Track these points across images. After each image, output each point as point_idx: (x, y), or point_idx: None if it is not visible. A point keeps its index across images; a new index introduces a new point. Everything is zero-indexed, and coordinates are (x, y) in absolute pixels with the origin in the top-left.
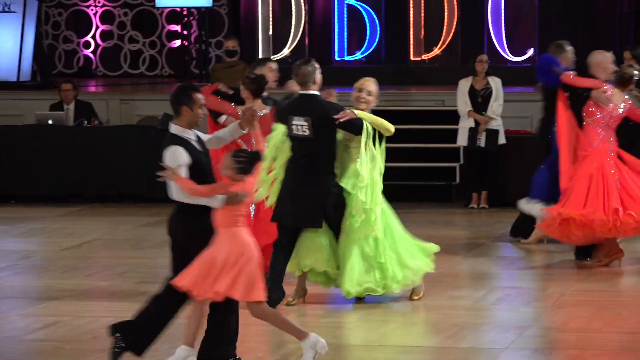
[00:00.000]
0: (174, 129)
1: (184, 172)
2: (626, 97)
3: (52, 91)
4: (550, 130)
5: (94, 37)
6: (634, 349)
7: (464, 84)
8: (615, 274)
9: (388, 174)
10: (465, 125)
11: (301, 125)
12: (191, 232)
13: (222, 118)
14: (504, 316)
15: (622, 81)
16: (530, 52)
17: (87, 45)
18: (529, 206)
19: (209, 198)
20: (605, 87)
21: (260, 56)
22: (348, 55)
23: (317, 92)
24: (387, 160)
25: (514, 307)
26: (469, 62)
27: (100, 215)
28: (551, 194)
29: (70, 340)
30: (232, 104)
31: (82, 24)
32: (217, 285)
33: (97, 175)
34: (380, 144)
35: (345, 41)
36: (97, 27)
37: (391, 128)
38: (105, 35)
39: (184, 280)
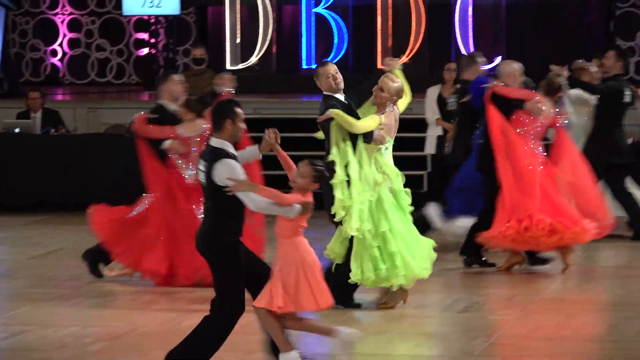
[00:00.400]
0: (217, 142)
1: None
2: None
3: (19, 99)
4: (469, 149)
5: (61, 45)
6: (603, 357)
7: (433, 92)
8: (584, 281)
9: None
10: (433, 133)
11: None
12: (226, 251)
13: (167, 143)
14: (472, 324)
15: (551, 90)
16: (498, 60)
17: (54, 53)
18: (464, 223)
19: (290, 208)
20: (538, 98)
21: (228, 64)
22: (316, 63)
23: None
24: None
25: (482, 315)
26: (436, 70)
27: (67, 224)
28: (472, 206)
29: (36, 349)
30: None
31: (49, 32)
32: (302, 301)
33: (64, 183)
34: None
35: (313, 49)
36: (65, 35)
37: (354, 126)
38: (72, 44)
39: (262, 302)
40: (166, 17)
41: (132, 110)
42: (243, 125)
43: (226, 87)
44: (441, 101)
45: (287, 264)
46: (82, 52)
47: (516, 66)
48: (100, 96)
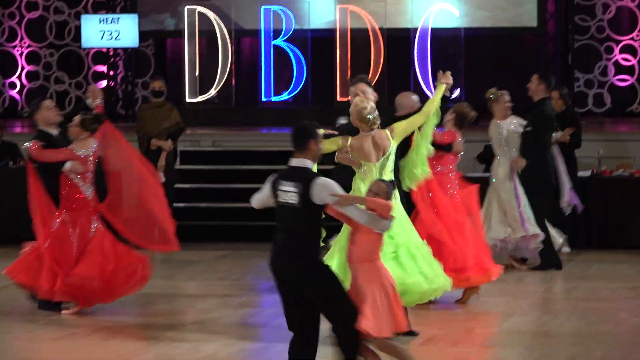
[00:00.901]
0: (299, 162)
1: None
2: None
3: None
4: None
5: (19, 77)
6: None
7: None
8: (543, 312)
9: None
10: None
11: None
12: (311, 271)
13: (67, 165)
14: (432, 358)
15: (464, 123)
16: (457, 92)
17: (12, 85)
18: None
19: (388, 221)
20: (460, 139)
21: (187, 96)
22: (275, 95)
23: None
24: None
25: (441, 348)
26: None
27: None
28: None
29: None
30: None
31: (7, 64)
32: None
33: (24, 215)
34: None
35: (272, 82)
36: (23, 67)
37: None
38: (31, 76)
39: (366, 324)
40: (125, 49)
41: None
42: (323, 146)
43: (97, 100)
44: None
45: (371, 288)
46: (40, 85)
47: (414, 98)
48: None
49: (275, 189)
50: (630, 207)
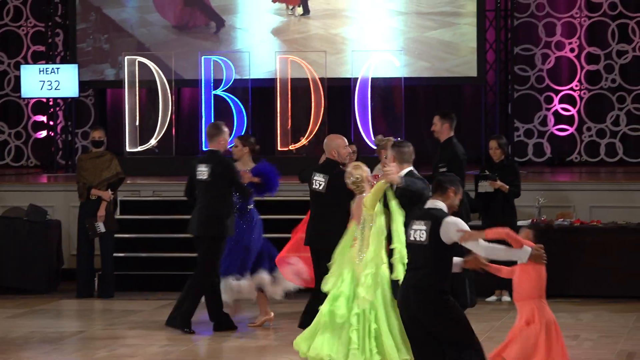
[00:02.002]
0: (434, 204)
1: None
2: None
3: None
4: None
5: None
6: None
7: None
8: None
9: None
10: None
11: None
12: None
13: None
14: None
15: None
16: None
17: None
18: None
19: (522, 251)
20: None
21: (127, 146)
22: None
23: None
24: None
25: None
26: None
27: None
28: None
29: None
30: None
31: None
32: None
33: None
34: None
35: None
36: None
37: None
38: None
39: None
40: (65, 99)
41: (30, 193)
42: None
43: None
44: None
45: (538, 326)
46: None
47: (340, 141)
48: None
49: (411, 228)
50: (571, 256)
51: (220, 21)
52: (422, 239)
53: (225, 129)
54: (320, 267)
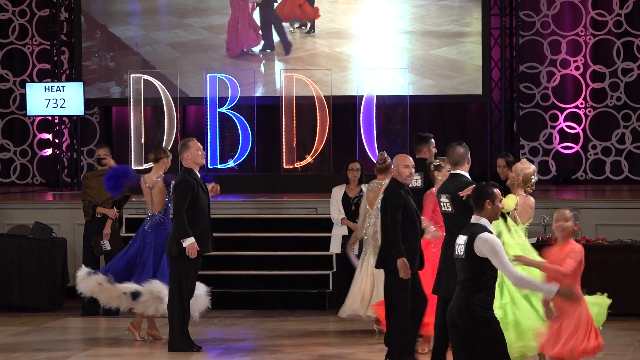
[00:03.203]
0: (476, 219)
1: (505, 255)
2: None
3: None
4: None
5: None
6: None
7: (338, 192)
8: None
9: (261, 281)
10: (338, 232)
11: (445, 202)
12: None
13: None
14: None
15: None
16: None
17: None
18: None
19: (549, 287)
20: None
21: (132, 164)
22: (220, 163)
23: (464, 172)
24: (258, 268)
25: None
26: (341, 169)
27: None
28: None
29: None
30: None
31: None
32: None
33: None
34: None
35: (218, 149)
36: None
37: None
38: None
39: None
40: (70, 117)
41: (35, 210)
42: (502, 205)
43: None
44: (346, 201)
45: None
46: None
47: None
48: (4, 196)
49: (457, 243)
50: None
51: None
52: (461, 254)
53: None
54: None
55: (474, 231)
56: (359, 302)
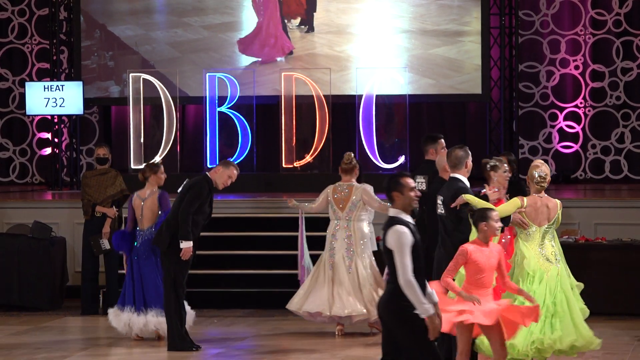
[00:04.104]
0: (392, 212)
1: (408, 255)
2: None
3: None
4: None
5: None
6: None
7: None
8: None
9: (260, 281)
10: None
11: (440, 205)
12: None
13: None
14: None
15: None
16: (402, 159)
17: None
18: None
19: (422, 305)
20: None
21: (132, 163)
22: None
23: (461, 176)
24: (257, 267)
25: None
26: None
27: None
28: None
29: None
30: None
31: None
32: None
33: None
34: None
35: (217, 149)
36: None
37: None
38: None
39: None
40: (69, 116)
41: (35, 210)
42: (415, 194)
43: None
44: None
45: None
46: None
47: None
48: (4, 196)
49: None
50: (575, 274)
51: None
52: (382, 248)
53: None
54: None
55: (388, 224)
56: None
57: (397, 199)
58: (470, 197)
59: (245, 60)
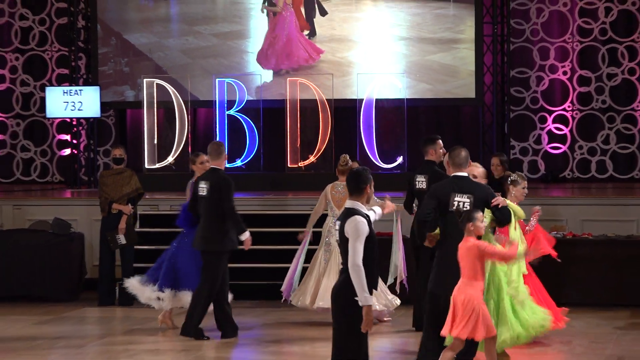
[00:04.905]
0: (352, 204)
1: (362, 243)
2: None
3: None
4: None
5: None
6: None
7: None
8: None
9: (267, 274)
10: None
11: (463, 202)
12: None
13: None
14: None
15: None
16: (400, 159)
17: None
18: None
19: (364, 294)
20: None
21: (146, 163)
22: (229, 162)
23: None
24: (264, 261)
25: None
26: None
27: None
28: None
29: None
30: None
31: None
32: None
33: None
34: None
35: (226, 149)
36: None
37: (521, 212)
38: None
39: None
40: (87, 119)
41: (54, 207)
42: (372, 190)
43: None
44: None
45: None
46: (7, 153)
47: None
48: (25, 194)
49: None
50: (563, 267)
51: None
52: (337, 238)
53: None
54: None
55: (346, 214)
56: (311, 293)
57: (366, 193)
58: (510, 204)
59: (248, 65)
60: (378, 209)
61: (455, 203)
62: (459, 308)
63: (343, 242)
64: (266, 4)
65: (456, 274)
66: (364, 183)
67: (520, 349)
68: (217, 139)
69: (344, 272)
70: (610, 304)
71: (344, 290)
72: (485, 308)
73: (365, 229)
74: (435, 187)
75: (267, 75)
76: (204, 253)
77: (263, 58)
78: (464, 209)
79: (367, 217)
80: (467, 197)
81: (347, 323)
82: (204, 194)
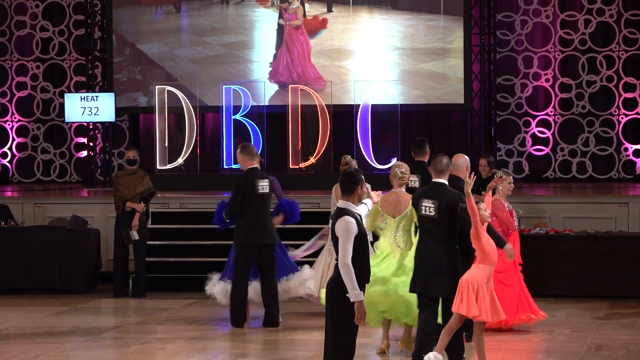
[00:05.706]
0: (344, 204)
1: (351, 242)
2: None
3: None
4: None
5: (10, 148)
6: None
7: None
8: None
9: None
10: None
11: (428, 207)
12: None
13: None
14: None
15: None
16: (394, 160)
17: (4, 155)
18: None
19: (354, 289)
20: None
21: (158, 164)
22: (235, 164)
23: (446, 182)
24: None
25: None
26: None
27: (16, 305)
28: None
29: None
30: None
31: (0, 137)
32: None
33: (13, 269)
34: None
35: (232, 151)
36: (13, 139)
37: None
38: (20, 147)
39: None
40: (103, 123)
41: (73, 205)
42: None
43: None
44: None
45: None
46: (29, 155)
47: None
48: (45, 193)
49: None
50: (546, 261)
51: None
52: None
53: None
54: None
55: (338, 214)
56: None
57: (357, 193)
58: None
59: (252, 73)
60: (369, 201)
61: (423, 208)
62: (463, 287)
63: (335, 240)
64: (281, 19)
65: (429, 274)
66: (355, 184)
67: (504, 335)
68: (224, 143)
69: (337, 268)
70: (591, 296)
71: (337, 285)
72: (485, 290)
73: (354, 229)
74: (415, 193)
75: (270, 83)
76: (272, 246)
77: (276, 76)
78: (429, 214)
79: (357, 216)
80: (432, 202)
81: (340, 316)
82: (267, 191)
